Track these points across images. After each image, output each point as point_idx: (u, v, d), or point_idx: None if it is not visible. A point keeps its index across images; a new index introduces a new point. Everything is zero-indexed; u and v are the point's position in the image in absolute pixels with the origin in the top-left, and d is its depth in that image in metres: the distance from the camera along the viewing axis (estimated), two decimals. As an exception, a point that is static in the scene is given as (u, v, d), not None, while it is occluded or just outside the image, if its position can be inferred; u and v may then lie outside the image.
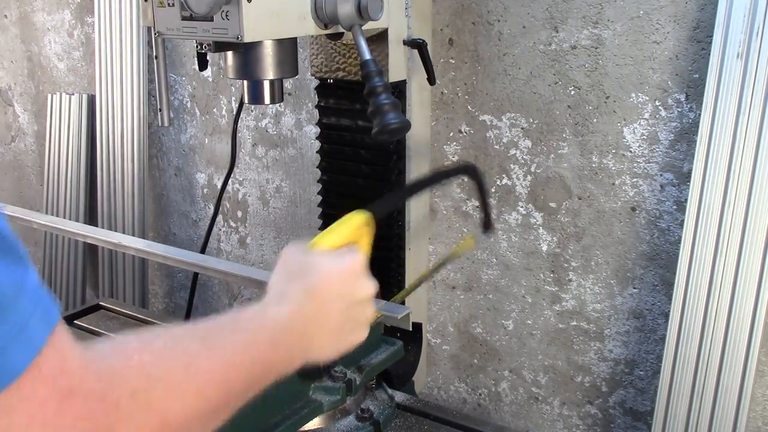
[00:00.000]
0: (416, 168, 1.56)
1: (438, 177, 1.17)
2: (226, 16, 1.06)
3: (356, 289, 0.80)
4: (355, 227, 0.84)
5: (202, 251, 1.83)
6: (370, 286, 0.82)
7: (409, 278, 1.56)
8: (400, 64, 1.40)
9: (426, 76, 1.45)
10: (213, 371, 0.62)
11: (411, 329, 1.23)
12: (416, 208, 1.60)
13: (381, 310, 1.26)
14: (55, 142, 2.50)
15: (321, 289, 0.76)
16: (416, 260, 1.61)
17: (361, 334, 0.82)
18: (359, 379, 1.21)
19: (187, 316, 2.02)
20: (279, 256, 0.81)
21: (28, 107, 2.70)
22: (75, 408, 0.50)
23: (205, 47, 1.14)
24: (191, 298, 1.97)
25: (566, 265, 1.65)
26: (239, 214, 2.20)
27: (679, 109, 1.44)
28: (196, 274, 1.91)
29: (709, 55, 1.34)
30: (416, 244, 1.62)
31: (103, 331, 1.65)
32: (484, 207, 1.14)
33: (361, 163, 1.48)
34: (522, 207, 1.67)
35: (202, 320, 0.66)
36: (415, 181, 1.03)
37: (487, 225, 1.14)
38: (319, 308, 0.76)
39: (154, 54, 1.19)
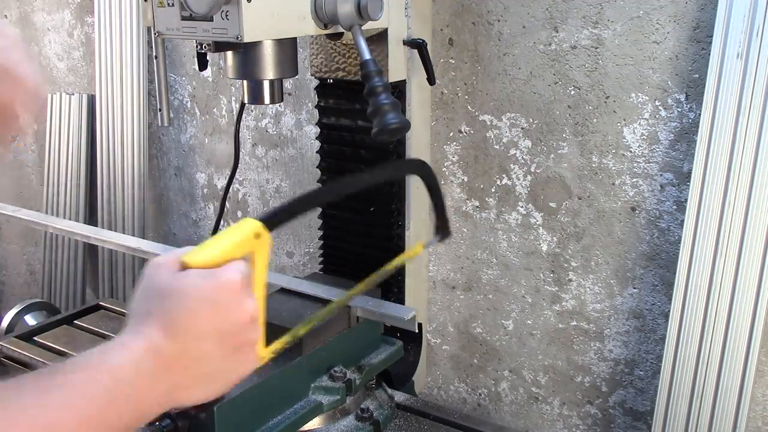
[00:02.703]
0: (416, 168, 1.56)
1: (377, 175, 1.00)
2: (226, 16, 1.06)
3: (232, 314, 0.66)
4: (241, 238, 0.71)
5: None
6: (249, 306, 0.68)
7: (410, 278, 1.55)
8: (399, 64, 1.40)
9: (426, 76, 1.45)
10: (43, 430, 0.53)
11: (417, 331, 1.23)
12: (416, 208, 1.60)
13: (383, 310, 1.26)
14: (55, 142, 2.50)
15: (184, 323, 0.63)
16: (416, 260, 1.61)
17: (249, 363, 0.70)
18: (359, 379, 1.21)
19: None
20: (142, 273, 0.67)
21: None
22: None
23: (205, 47, 1.14)
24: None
25: (566, 265, 1.65)
26: (239, 214, 2.20)
27: (679, 109, 1.44)
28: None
29: (709, 55, 1.34)
30: (416, 244, 1.62)
31: (103, 331, 1.65)
32: (439, 210, 1.02)
33: (361, 163, 1.48)
34: (522, 207, 1.67)
35: (36, 371, 0.57)
36: (338, 181, 0.91)
37: (443, 230, 1.03)
38: (183, 347, 0.62)
39: (154, 54, 1.19)
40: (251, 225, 0.72)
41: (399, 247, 1.51)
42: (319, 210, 1.59)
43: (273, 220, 0.75)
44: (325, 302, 1.31)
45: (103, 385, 0.58)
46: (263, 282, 0.73)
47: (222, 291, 0.66)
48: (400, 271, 1.54)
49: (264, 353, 0.74)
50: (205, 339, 0.64)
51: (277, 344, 0.80)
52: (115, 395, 0.58)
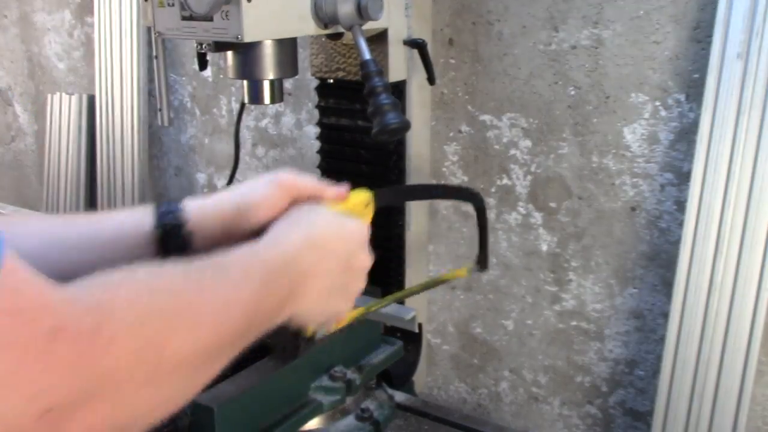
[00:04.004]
0: (416, 168, 1.56)
1: (445, 192, 1.18)
2: (226, 16, 1.06)
3: (355, 254, 0.77)
4: (359, 201, 0.84)
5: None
6: (367, 258, 0.79)
7: (409, 278, 1.56)
8: (400, 64, 1.40)
9: (426, 76, 1.45)
10: (203, 308, 0.58)
11: (417, 330, 1.23)
12: (416, 208, 1.60)
13: (383, 310, 1.26)
14: (55, 142, 2.50)
15: (322, 240, 0.73)
16: (416, 260, 1.62)
17: (346, 305, 0.79)
18: (359, 379, 1.21)
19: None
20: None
21: (28, 107, 2.70)
22: (66, 348, 0.44)
23: (205, 47, 1.14)
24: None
25: (566, 265, 1.65)
26: (239, 214, 2.20)
27: (679, 109, 1.44)
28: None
29: (709, 55, 1.34)
30: (416, 244, 1.62)
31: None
32: (483, 244, 1.11)
33: (361, 163, 1.48)
34: (522, 207, 1.67)
35: (190, 259, 0.62)
36: (422, 185, 1.02)
37: (483, 263, 1.11)
38: (315, 259, 0.72)
39: (154, 54, 1.19)
40: (365, 195, 0.84)
41: (399, 248, 1.51)
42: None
43: (381, 196, 0.86)
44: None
45: (259, 272, 0.65)
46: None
47: (352, 232, 0.77)
48: (400, 271, 1.54)
49: (357, 310, 0.86)
50: (333, 259, 0.73)
51: (355, 312, 0.92)
52: (267, 284, 0.66)
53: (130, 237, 0.72)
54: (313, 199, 0.79)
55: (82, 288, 0.50)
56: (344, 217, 0.78)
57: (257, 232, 0.73)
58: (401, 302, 1.43)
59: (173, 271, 0.59)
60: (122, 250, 0.71)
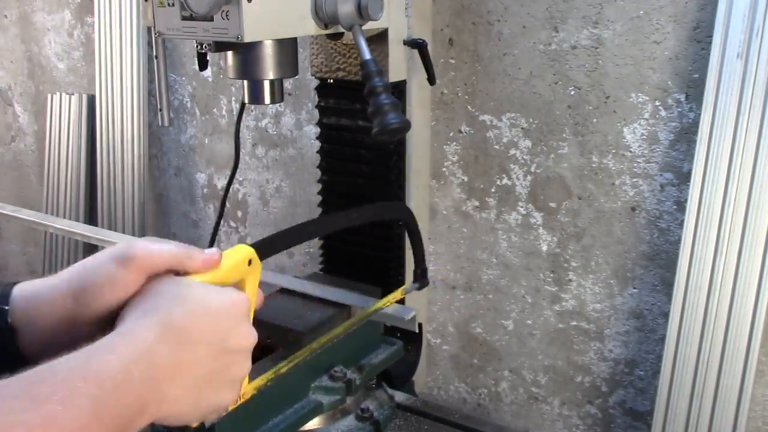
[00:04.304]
0: (416, 168, 1.56)
1: (362, 215, 1.00)
2: (226, 16, 1.06)
3: (231, 333, 0.63)
4: (236, 262, 0.70)
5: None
6: (249, 335, 0.65)
7: (409, 278, 1.55)
8: (400, 64, 1.40)
9: (426, 76, 1.45)
10: None
11: (417, 330, 1.23)
12: (416, 208, 1.60)
13: (383, 310, 1.26)
14: (55, 142, 2.50)
15: (184, 325, 0.60)
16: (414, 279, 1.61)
17: (228, 396, 0.65)
18: (359, 379, 1.21)
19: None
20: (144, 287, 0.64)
21: (28, 107, 2.70)
22: None
23: (205, 47, 1.14)
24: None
25: (566, 265, 1.65)
26: (239, 214, 2.20)
27: (679, 109, 1.44)
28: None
29: (709, 55, 1.34)
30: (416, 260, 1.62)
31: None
32: (419, 257, 1.02)
33: (361, 163, 1.48)
34: (522, 207, 1.67)
35: (14, 373, 0.52)
36: (317, 219, 0.89)
37: (422, 278, 1.05)
38: (176, 350, 0.59)
39: (154, 54, 1.19)
40: (245, 251, 0.71)
41: (399, 248, 1.51)
42: (319, 210, 1.59)
43: (266, 248, 0.74)
44: (322, 302, 1.32)
45: (89, 395, 0.53)
46: (252, 310, 0.71)
47: (226, 307, 0.64)
48: (400, 271, 1.54)
49: (247, 389, 0.72)
50: (201, 345, 0.61)
51: (259, 381, 0.80)
52: (101, 406, 0.53)
53: None
54: (174, 270, 0.65)
55: None
56: (212, 291, 0.64)
57: (109, 319, 0.61)
58: (402, 302, 1.43)
59: None
60: None
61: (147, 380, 0.56)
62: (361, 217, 0.94)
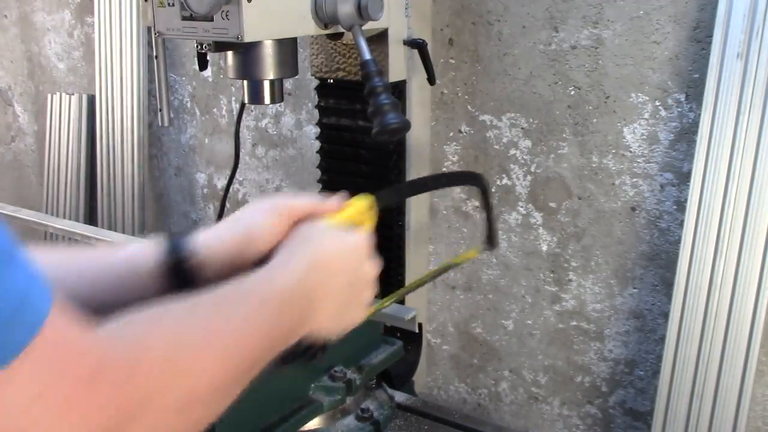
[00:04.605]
0: (416, 168, 1.56)
1: (446, 180, 1.16)
2: (226, 16, 1.06)
3: (360, 267, 0.79)
4: (359, 210, 0.85)
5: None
6: (373, 267, 0.82)
7: (409, 278, 1.56)
8: (400, 64, 1.40)
9: (426, 76, 1.45)
10: (230, 337, 0.63)
11: (417, 330, 1.23)
12: (416, 208, 1.60)
13: (383, 310, 1.26)
14: (55, 142, 2.50)
15: (326, 260, 0.76)
16: (416, 260, 1.61)
17: (359, 315, 0.82)
18: (359, 379, 1.21)
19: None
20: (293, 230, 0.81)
21: (28, 107, 2.70)
22: (108, 383, 0.49)
23: (205, 47, 1.14)
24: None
25: (566, 265, 1.65)
26: (239, 214, 2.20)
27: (679, 109, 1.44)
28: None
29: (709, 55, 1.34)
30: (416, 244, 1.62)
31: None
32: (489, 222, 1.13)
33: (361, 163, 1.48)
34: (522, 207, 1.67)
35: (206, 290, 0.65)
36: (422, 178, 1.02)
37: (491, 241, 1.13)
38: (323, 279, 0.75)
39: (154, 54, 1.19)
40: (367, 200, 0.85)
41: (399, 247, 1.51)
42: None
43: (383, 198, 0.86)
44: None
45: (276, 298, 0.68)
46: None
47: (353, 244, 0.78)
48: (400, 271, 1.54)
49: (369, 310, 0.85)
50: (339, 275, 0.76)
51: (380, 304, 0.94)
52: (283, 308, 0.69)
53: (141, 270, 0.75)
54: (312, 217, 0.81)
55: (119, 327, 0.55)
56: (344, 232, 0.79)
57: (261, 260, 0.75)
58: (401, 302, 1.43)
59: (198, 304, 0.63)
60: (134, 282, 0.74)
61: (305, 298, 0.72)
62: (449, 180, 1.14)
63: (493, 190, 1.69)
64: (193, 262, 0.76)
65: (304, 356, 0.91)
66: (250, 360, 0.65)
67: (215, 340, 0.61)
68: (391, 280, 1.52)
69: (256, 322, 0.66)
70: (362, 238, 0.81)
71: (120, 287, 0.73)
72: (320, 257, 0.75)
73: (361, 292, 0.81)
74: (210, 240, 0.78)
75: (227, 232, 0.79)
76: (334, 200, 0.83)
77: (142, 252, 0.76)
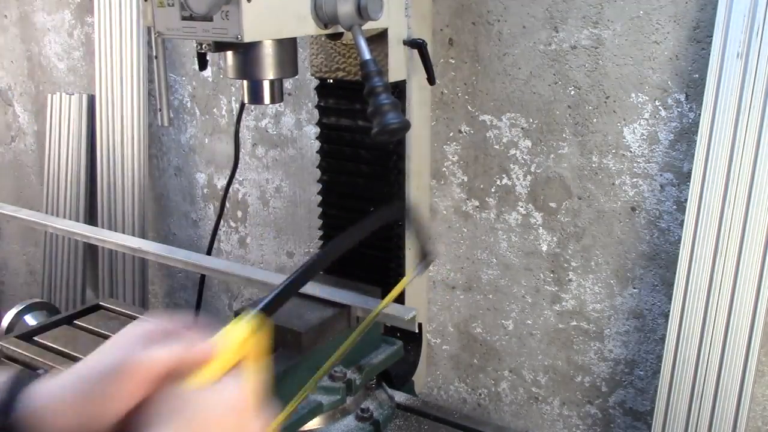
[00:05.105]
0: (416, 168, 1.56)
1: (364, 229, 0.94)
2: (226, 16, 1.06)
3: (243, 428, 0.64)
4: (238, 342, 0.67)
5: (209, 252, 1.83)
6: (258, 423, 0.66)
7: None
8: (399, 64, 1.40)
9: (426, 76, 1.45)
10: None
11: (417, 331, 1.23)
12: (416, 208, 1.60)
13: (383, 310, 1.27)
14: (55, 142, 2.50)
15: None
16: (416, 260, 1.61)
17: None
18: (359, 379, 1.21)
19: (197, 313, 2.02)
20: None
21: (28, 107, 2.70)
22: None
23: (205, 47, 1.14)
24: (199, 299, 1.96)
25: (566, 265, 1.65)
26: (239, 214, 2.20)
27: (679, 109, 1.44)
28: (203, 277, 1.90)
29: (709, 55, 1.34)
30: (416, 244, 1.62)
31: (103, 331, 1.65)
32: (420, 237, 1.07)
33: (361, 163, 1.48)
34: (522, 207, 1.67)
35: None
36: (309, 263, 0.83)
37: (426, 255, 1.08)
38: None
39: (154, 54, 1.19)
40: (248, 322, 0.68)
41: (399, 248, 1.51)
42: (319, 210, 1.59)
43: (268, 308, 0.72)
44: (322, 302, 1.31)
45: None
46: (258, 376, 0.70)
47: (234, 405, 0.64)
48: (400, 271, 1.54)
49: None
50: None
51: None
52: None
53: None
54: (177, 374, 0.64)
55: None
56: (216, 389, 0.64)
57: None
58: (401, 302, 1.43)
59: None
60: None
61: None
62: (361, 232, 0.91)
63: (493, 190, 1.69)
64: (24, 426, 0.61)
65: None
66: None
67: None
68: (391, 280, 1.52)
69: None
70: (238, 389, 0.65)
71: None
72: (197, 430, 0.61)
73: None
74: (50, 399, 0.63)
75: (70, 394, 0.63)
76: (203, 347, 0.66)
77: None
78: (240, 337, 0.67)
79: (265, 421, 0.66)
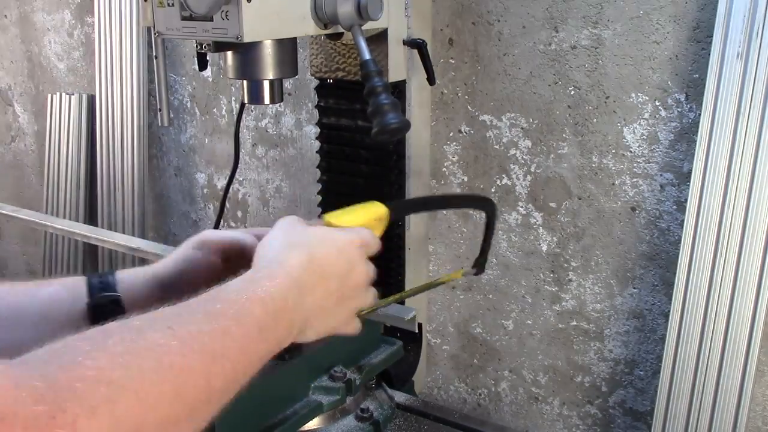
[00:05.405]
0: (416, 168, 1.56)
1: (458, 201, 1.20)
2: (226, 16, 1.06)
3: (354, 269, 0.74)
4: (371, 215, 0.80)
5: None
6: (368, 269, 0.76)
7: (409, 278, 1.55)
8: (399, 64, 1.40)
9: (426, 76, 1.45)
10: (189, 367, 0.52)
11: (417, 331, 1.23)
12: (416, 208, 1.60)
13: (383, 310, 1.26)
14: (55, 142, 2.50)
15: (320, 261, 0.70)
16: (416, 260, 1.61)
17: (350, 318, 0.77)
18: (359, 379, 1.21)
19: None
20: (274, 225, 0.75)
21: (28, 107, 2.70)
22: (23, 419, 0.39)
23: (205, 47, 1.14)
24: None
25: (566, 265, 1.65)
26: (239, 214, 2.20)
27: (679, 109, 1.44)
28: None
29: (709, 55, 1.34)
30: (416, 244, 1.62)
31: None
32: (485, 248, 1.10)
33: (361, 163, 1.48)
34: (522, 207, 1.67)
35: (170, 305, 0.57)
36: (439, 197, 0.99)
37: (481, 266, 1.10)
38: (317, 281, 0.69)
39: (154, 54, 1.18)
40: (379, 209, 0.81)
41: (399, 247, 1.51)
42: (319, 210, 1.59)
43: (398, 210, 0.82)
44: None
45: (255, 315, 0.61)
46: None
47: (352, 247, 0.74)
48: (400, 271, 1.54)
49: (360, 316, 0.80)
50: (332, 279, 0.70)
51: (375, 305, 0.88)
52: (264, 324, 0.62)
53: (61, 312, 0.68)
54: (242, 250, 0.77)
55: (36, 364, 0.44)
56: (345, 230, 0.75)
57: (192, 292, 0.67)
58: (402, 302, 1.43)
59: (156, 327, 0.53)
60: (53, 325, 0.66)
61: (298, 305, 0.66)
62: (459, 202, 1.11)
63: (492, 190, 1.69)
64: (119, 305, 0.69)
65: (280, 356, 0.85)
66: (217, 390, 0.55)
67: (168, 375, 0.50)
68: (391, 280, 1.52)
69: (223, 347, 0.56)
70: (362, 235, 0.76)
71: (37, 331, 0.65)
72: (315, 257, 0.69)
73: (353, 292, 0.75)
74: (132, 278, 0.72)
75: (149, 270, 0.74)
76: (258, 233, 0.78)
77: (63, 293, 0.69)
78: (369, 213, 0.80)
79: (369, 273, 0.76)
